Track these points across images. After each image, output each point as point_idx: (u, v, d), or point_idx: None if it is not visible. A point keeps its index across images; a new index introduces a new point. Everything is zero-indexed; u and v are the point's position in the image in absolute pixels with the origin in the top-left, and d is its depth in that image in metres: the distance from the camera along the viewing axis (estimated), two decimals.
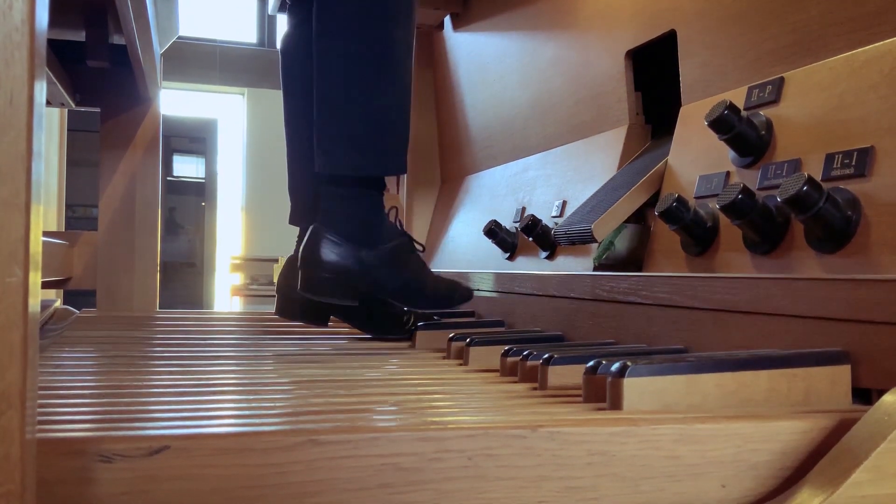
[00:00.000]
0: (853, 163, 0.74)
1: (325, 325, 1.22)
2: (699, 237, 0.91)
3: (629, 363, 0.63)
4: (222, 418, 0.62)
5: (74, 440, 0.46)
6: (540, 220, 1.26)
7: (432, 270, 1.15)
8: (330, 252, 1.05)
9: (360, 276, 1.07)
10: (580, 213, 1.12)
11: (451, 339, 1.03)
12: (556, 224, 1.24)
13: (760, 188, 0.85)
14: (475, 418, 0.59)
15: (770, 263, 0.81)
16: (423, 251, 1.17)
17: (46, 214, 2.54)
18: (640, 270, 1.03)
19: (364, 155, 1.05)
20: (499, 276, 1.32)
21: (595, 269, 1.10)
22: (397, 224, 1.12)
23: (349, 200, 1.08)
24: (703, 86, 1.03)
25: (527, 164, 1.45)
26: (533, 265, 1.31)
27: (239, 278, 6.80)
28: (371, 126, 1.05)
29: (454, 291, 1.13)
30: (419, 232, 1.92)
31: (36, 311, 0.35)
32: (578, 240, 1.07)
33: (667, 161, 1.05)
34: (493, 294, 1.34)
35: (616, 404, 0.62)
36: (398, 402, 0.69)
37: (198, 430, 0.53)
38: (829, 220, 0.72)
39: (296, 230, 1.25)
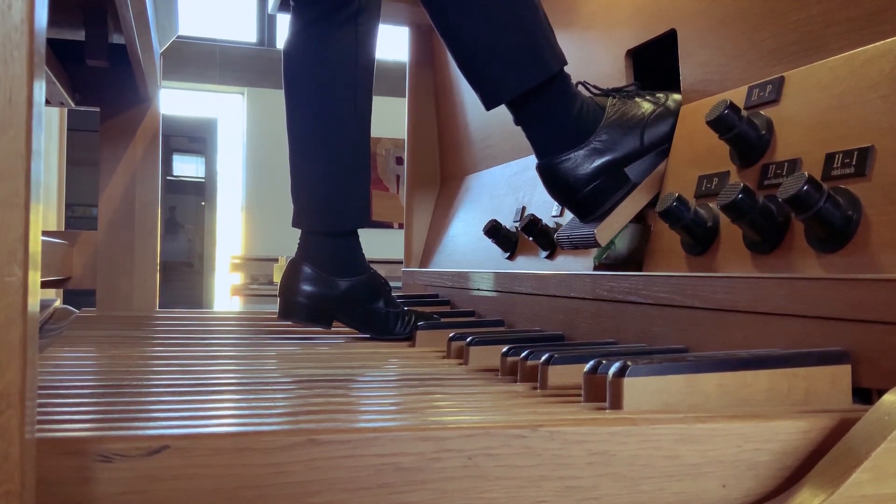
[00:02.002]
0: (853, 162, 0.74)
1: (330, 328, 1.22)
2: (700, 237, 0.91)
3: (629, 363, 0.63)
4: (222, 418, 0.62)
5: (74, 440, 0.46)
6: (540, 220, 1.26)
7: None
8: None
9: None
10: None
11: (451, 339, 1.03)
12: (557, 224, 1.24)
13: (761, 188, 0.85)
14: (475, 418, 0.59)
15: (770, 263, 0.81)
16: None
17: (46, 214, 2.54)
18: (640, 270, 1.03)
19: (529, 63, 1.05)
20: (499, 276, 1.32)
21: (595, 268, 1.10)
22: None
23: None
24: (704, 85, 1.03)
25: (527, 163, 1.45)
26: (533, 265, 1.31)
27: (239, 278, 6.81)
28: (523, 35, 1.05)
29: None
30: (419, 232, 1.92)
31: (35, 311, 0.35)
32: (582, 245, 1.07)
33: (667, 161, 1.05)
34: (494, 293, 1.34)
35: (616, 404, 0.62)
36: (398, 402, 0.69)
37: (197, 429, 0.53)
38: (829, 220, 0.72)
39: (297, 231, 1.24)
